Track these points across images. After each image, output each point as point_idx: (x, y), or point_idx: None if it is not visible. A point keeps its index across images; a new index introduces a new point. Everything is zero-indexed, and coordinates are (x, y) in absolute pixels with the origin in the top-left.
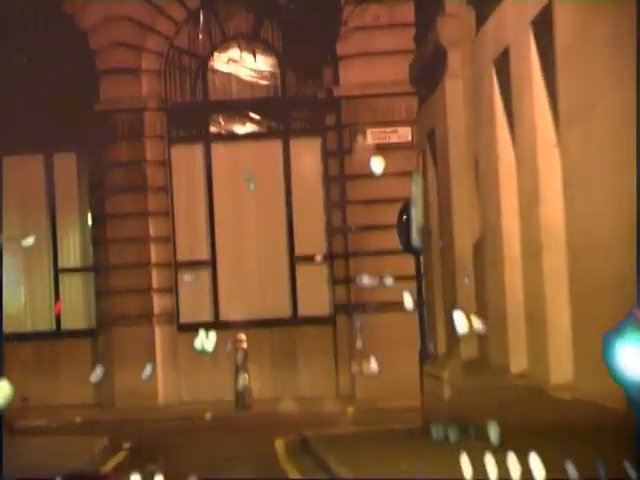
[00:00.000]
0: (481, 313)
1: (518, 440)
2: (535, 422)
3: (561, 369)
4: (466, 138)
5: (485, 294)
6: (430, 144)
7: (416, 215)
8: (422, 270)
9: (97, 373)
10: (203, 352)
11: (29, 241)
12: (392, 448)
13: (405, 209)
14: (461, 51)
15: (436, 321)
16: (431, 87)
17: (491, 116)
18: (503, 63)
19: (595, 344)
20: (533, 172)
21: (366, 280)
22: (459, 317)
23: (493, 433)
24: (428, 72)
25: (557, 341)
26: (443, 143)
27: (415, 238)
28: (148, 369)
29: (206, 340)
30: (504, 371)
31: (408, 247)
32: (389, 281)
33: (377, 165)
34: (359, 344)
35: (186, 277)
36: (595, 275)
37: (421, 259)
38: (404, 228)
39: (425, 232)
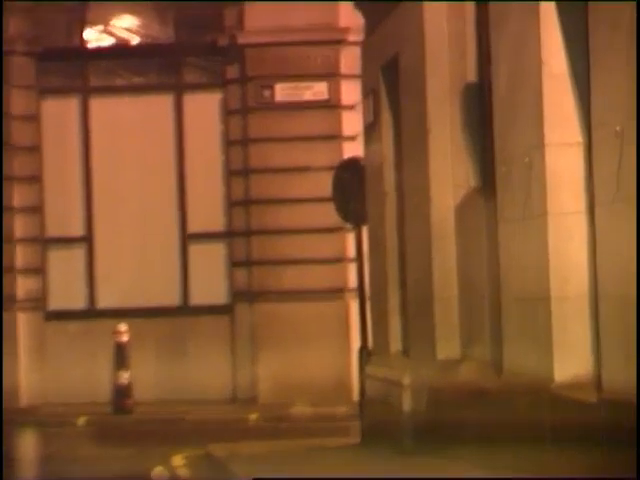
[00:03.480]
0: (476, 297)
1: None
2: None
3: None
4: (450, 61)
5: (480, 271)
6: (387, 79)
7: None
8: (361, 247)
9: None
10: None
11: None
12: (335, 470)
13: (344, 169)
14: None
15: (388, 310)
16: (391, 3)
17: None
18: None
19: None
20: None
21: None
22: None
23: None
24: None
25: None
26: (416, 70)
27: None
28: None
29: None
30: (542, 379)
31: (348, 216)
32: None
33: None
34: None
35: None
36: None
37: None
38: (342, 193)
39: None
